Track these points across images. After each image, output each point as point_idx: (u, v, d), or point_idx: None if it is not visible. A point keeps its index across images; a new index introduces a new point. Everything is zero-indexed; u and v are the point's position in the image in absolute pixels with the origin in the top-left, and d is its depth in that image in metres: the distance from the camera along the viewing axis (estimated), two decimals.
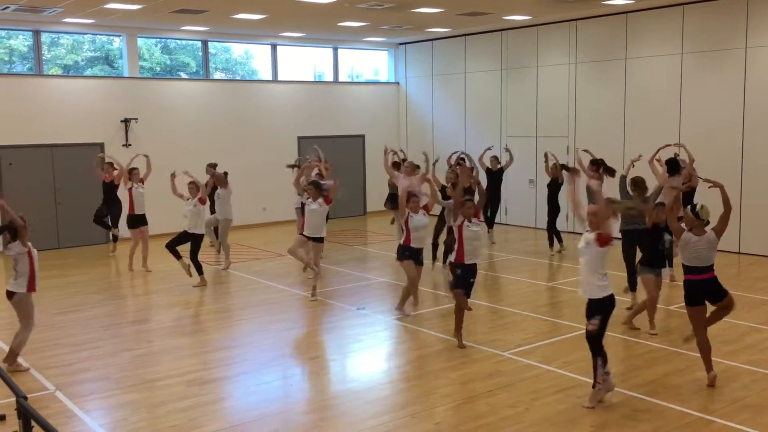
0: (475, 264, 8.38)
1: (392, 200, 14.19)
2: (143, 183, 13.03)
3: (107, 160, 13.69)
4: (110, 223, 14.02)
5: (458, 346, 8.24)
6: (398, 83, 20.46)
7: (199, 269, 11.51)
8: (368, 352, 8.53)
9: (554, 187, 13.62)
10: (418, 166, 12.29)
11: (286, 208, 17.46)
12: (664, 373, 7.41)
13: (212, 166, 14.59)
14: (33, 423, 4.64)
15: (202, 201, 11.49)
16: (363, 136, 19.82)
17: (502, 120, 17.71)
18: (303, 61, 19.66)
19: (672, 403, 6.60)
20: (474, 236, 8.34)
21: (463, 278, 8.31)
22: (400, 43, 20.12)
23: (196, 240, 11.45)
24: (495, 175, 14.79)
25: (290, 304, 10.52)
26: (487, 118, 18.02)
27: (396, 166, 12.88)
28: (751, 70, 13.24)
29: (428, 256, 11.44)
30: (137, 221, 12.81)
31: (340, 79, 19.95)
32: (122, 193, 13.83)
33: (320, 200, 10.43)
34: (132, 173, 12.90)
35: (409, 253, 9.46)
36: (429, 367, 7.70)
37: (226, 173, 13.07)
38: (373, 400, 6.86)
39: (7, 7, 13.03)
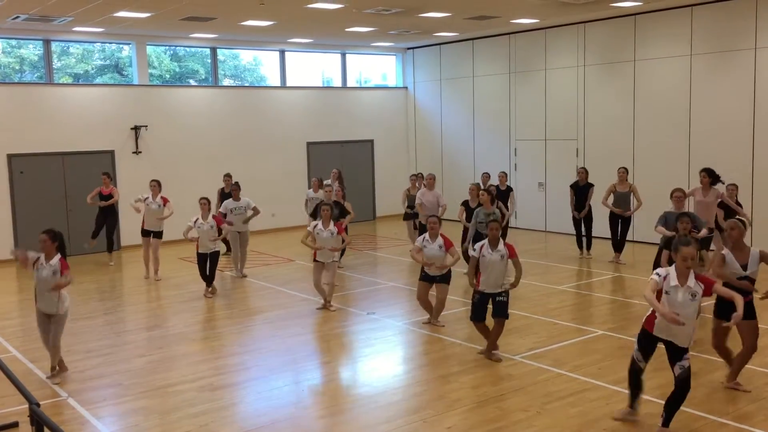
0: (497, 293, 7.91)
1: (411, 214, 14.15)
2: (154, 198, 12.70)
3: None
4: (106, 233, 14.08)
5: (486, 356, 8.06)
6: (406, 88, 20.48)
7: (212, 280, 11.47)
8: (379, 356, 8.52)
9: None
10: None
11: (295, 214, 17.53)
12: None
13: (228, 176, 14.51)
14: (46, 430, 4.66)
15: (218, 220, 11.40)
16: (372, 141, 19.85)
17: (510, 123, 17.69)
18: (311, 67, 19.71)
19: (685, 406, 6.54)
20: (492, 266, 7.85)
21: (478, 306, 7.99)
22: (408, 48, 20.14)
23: (215, 258, 11.35)
24: (503, 194, 14.61)
25: (300, 310, 10.52)
26: (496, 121, 18.01)
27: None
28: (760, 71, 13.18)
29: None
30: (146, 232, 12.82)
31: (349, 85, 19.99)
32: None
33: (332, 227, 10.03)
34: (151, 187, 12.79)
35: (423, 274, 9.18)
36: (440, 372, 7.69)
37: (237, 183, 12.93)
38: (384, 405, 6.85)
39: (18, 17, 13.14)
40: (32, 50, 16.17)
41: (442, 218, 9.97)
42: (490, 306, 8.01)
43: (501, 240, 8.01)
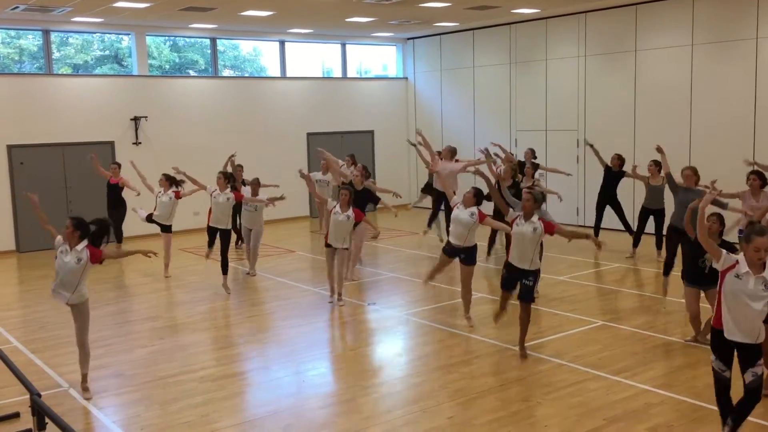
0: (527, 270, 7.53)
1: (428, 188, 13.98)
2: (165, 191, 12.24)
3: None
4: (114, 225, 13.57)
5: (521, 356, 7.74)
6: (407, 78, 20.43)
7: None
8: (380, 347, 8.54)
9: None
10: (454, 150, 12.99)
11: (296, 204, 17.51)
12: (677, 366, 7.39)
13: (240, 167, 14.39)
14: (47, 420, 4.67)
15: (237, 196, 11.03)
16: (372, 132, 19.81)
17: (511, 114, 17.66)
18: (311, 58, 19.66)
19: (685, 396, 6.58)
20: (521, 237, 7.44)
21: (507, 279, 7.75)
22: (409, 38, 20.08)
23: (227, 237, 11.02)
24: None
25: (301, 300, 10.53)
26: (497, 112, 17.97)
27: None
28: (762, 61, 13.13)
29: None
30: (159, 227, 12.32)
31: (349, 75, 19.93)
32: (126, 195, 13.82)
33: (350, 212, 9.77)
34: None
35: (447, 249, 8.87)
36: (441, 362, 7.70)
37: (257, 179, 12.35)
38: (385, 395, 6.86)
39: (17, 7, 13.09)
40: (31, 41, 16.12)
41: None
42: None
43: (536, 214, 7.52)
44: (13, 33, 15.87)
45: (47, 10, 13.50)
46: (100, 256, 6.85)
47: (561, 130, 16.49)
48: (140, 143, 16.10)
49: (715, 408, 6.29)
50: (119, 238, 14.05)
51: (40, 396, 4.85)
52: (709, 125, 13.87)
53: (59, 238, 6.96)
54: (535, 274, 7.61)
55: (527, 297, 7.65)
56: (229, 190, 11.02)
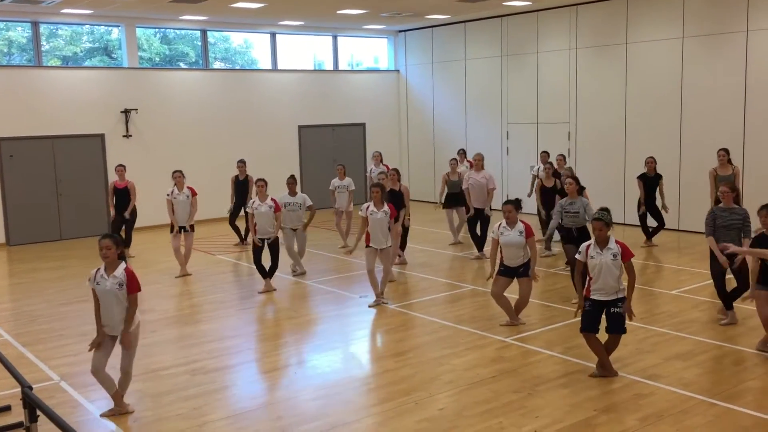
0: (612, 301, 6.76)
1: (452, 200, 13.32)
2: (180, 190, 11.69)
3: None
4: (125, 231, 13.11)
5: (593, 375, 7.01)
6: (398, 71, 20.40)
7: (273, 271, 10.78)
8: (371, 339, 8.55)
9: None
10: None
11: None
12: (667, 357, 7.43)
13: (242, 163, 14.17)
14: (38, 413, 4.66)
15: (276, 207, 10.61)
16: (363, 125, 19.79)
17: (502, 106, 17.67)
18: (302, 50, 19.60)
19: (675, 386, 6.62)
20: (603, 268, 6.69)
21: (590, 316, 6.83)
22: (400, 31, 20.05)
23: (275, 246, 10.68)
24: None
25: (292, 293, 10.53)
26: (488, 104, 17.98)
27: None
28: (752, 54, 13.19)
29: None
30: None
31: (340, 68, 19.90)
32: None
33: (386, 208, 9.48)
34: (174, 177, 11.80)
35: (502, 269, 8.44)
36: (432, 354, 7.72)
37: (293, 176, 11.78)
38: (376, 387, 6.88)
39: None
40: (20, 32, 16.01)
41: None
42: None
43: (611, 238, 6.78)
44: (1, 25, 15.75)
45: (36, 1, 13.40)
46: (137, 288, 6.28)
47: (552, 123, 16.52)
48: (131, 136, 16.03)
49: (704, 398, 6.35)
50: (128, 242, 13.15)
51: (31, 389, 4.83)
52: (700, 117, 13.92)
53: (91, 273, 6.41)
54: (624, 299, 6.83)
55: (618, 328, 6.82)
56: (270, 198, 10.56)
